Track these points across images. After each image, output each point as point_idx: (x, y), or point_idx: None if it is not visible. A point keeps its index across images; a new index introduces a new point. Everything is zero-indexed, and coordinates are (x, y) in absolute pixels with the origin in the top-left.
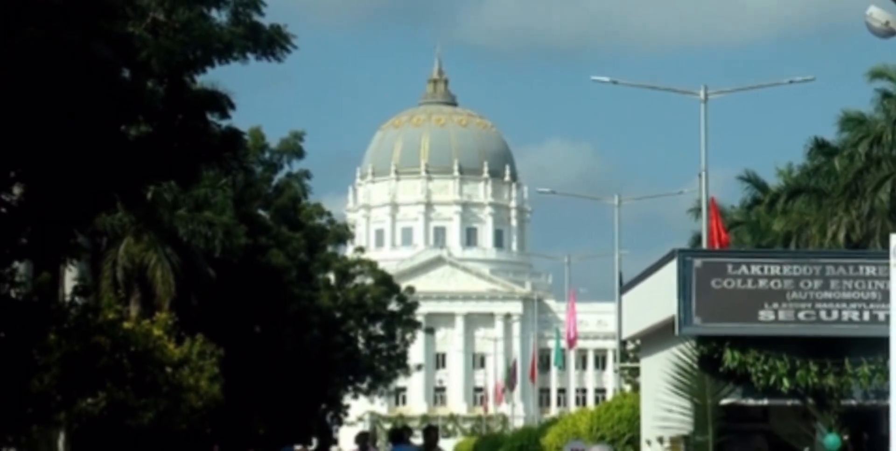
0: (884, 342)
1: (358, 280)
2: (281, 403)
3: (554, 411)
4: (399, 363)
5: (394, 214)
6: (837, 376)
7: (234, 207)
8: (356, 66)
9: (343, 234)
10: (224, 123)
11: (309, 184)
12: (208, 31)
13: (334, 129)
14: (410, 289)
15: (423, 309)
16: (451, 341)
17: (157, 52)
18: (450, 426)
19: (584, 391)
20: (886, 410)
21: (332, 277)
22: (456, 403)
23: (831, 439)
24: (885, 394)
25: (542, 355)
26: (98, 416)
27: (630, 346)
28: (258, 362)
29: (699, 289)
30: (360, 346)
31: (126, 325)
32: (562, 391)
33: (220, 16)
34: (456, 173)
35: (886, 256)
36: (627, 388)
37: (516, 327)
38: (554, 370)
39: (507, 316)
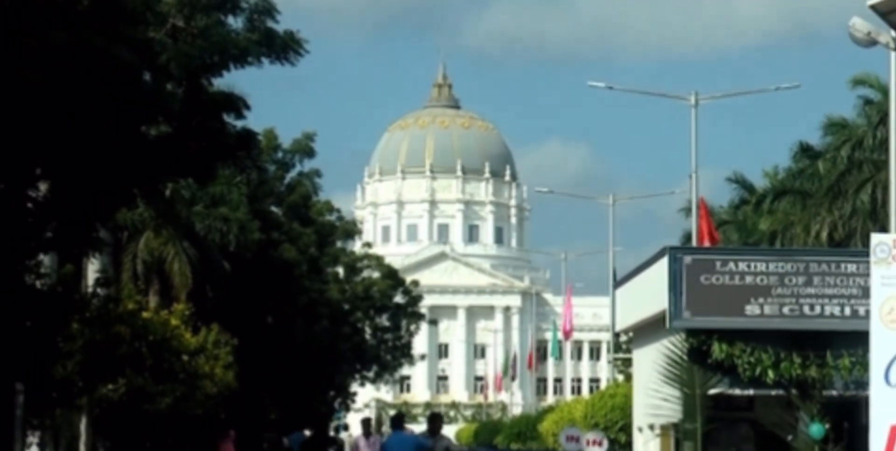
0: (864, 336)
1: (365, 274)
2: (291, 390)
3: (551, 399)
4: (404, 353)
5: (400, 212)
6: (820, 367)
7: (248, 203)
8: (365, 70)
9: (351, 230)
10: (239, 123)
11: (319, 182)
12: (225, 37)
13: (344, 130)
14: (415, 283)
15: (427, 302)
16: (453, 332)
17: (176, 57)
18: (452, 413)
19: (580, 380)
20: (866, 400)
21: (340, 270)
22: (458, 391)
23: (815, 428)
24: (864, 385)
25: (540, 347)
26: (118, 401)
27: (623, 338)
28: (270, 351)
29: (689, 284)
30: (367, 336)
31: (145, 315)
32: (558, 380)
33: (236, 22)
34: (459, 173)
35: (867, 254)
36: (620, 378)
37: (515, 320)
38: (551, 361)
39: (507, 309)
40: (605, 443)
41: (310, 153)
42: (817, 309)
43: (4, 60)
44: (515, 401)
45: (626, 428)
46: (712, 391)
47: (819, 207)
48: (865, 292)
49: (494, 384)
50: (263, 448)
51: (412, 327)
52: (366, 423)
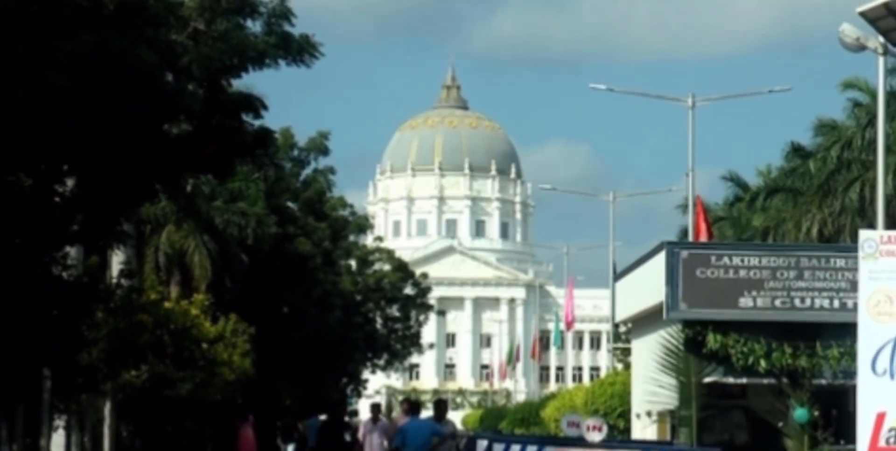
0: (852, 328)
1: (377, 267)
2: (306, 376)
3: (553, 386)
4: (413, 342)
5: (410, 207)
6: (809, 357)
7: (265, 199)
8: (377, 72)
9: (363, 224)
10: (257, 122)
11: (333, 179)
12: (244, 40)
13: (357, 129)
14: (424, 275)
15: (436, 293)
16: (460, 322)
17: (197, 59)
18: (458, 400)
19: (580, 369)
20: (853, 388)
21: (353, 263)
22: (464, 378)
23: (799, 412)
24: (852, 374)
25: (543, 337)
26: (140, 387)
27: (622, 328)
28: (286, 339)
29: (685, 278)
30: (378, 326)
31: (167, 305)
32: (560, 368)
33: (254, 26)
34: (466, 171)
35: (855, 249)
36: (619, 366)
37: (519, 311)
38: (553, 350)
39: (512, 300)
40: (605, 429)
41: (324, 151)
42: (808, 302)
43: (34, 63)
44: (519, 388)
45: (625, 414)
46: (707, 380)
47: (810, 205)
48: (853, 286)
49: (499, 372)
50: (279, 432)
51: (421, 318)
52: (375, 408)
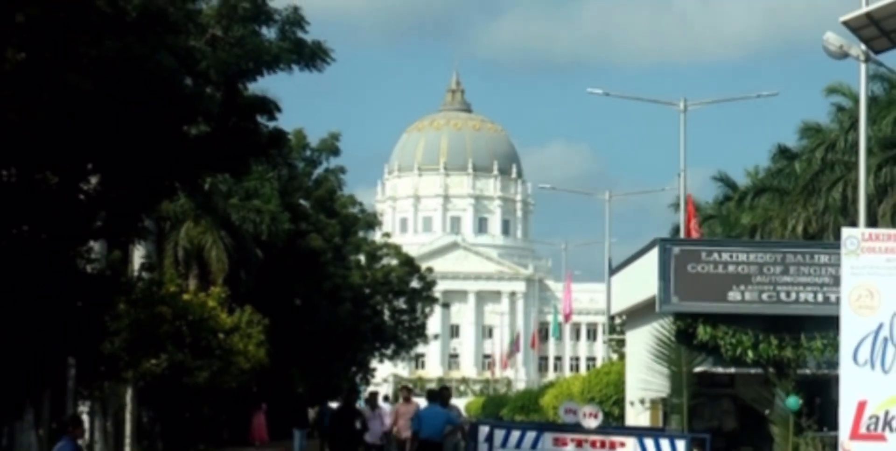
0: (835, 320)
1: (384, 261)
2: (317, 365)
3: (551, 375)
4: (419, 333)
5: (416, 205)
6: (794, 348)
7: (279, 197)
8: (386, 76)
9: (372, 221)
10: (271, 124)
11: (344, 178)
12: (259, 46)
13: (366, 131)
14: (429, 269)
15: (440, 287)
16: (463, 314)
17: (214, 63)
18: (462, 388)
19: (578, 359)
20: (836, 378)
21: (362, 258)
22: (467, 367)
23: (792, 400)
24: (835, 364)
25: (542, 328)
26: (160, 374)
27: (617, 320)
28: (298, 330)
29: (677, 272)
30: (386, 318)
31: (185, 297)
32: (558, 358)
33: (269, 32)
34: (470, 171)
35: (838, 246)
36: (615, 357)
37: (520, 304)
38: (552, 341)
39: (513, 294)
40: (600, 416)
41: (335, 152)
42: (793, 296)
43: (60, 67)
44: (519, 377)
45: (620, 402)
46: (697, 369)
47: (795, 204)
48: (836, 281)
49: (501, 362)
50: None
51: (426, 310)
52: (373, 396)
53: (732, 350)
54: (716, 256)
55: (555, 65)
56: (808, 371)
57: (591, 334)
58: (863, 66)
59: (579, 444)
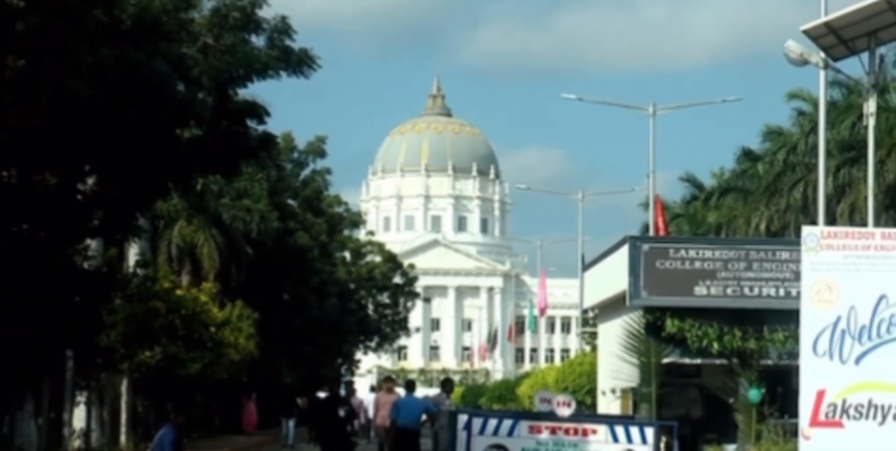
0: (795, 314)
1: (369, 258)
2: (304, 357)
3: (527, 366)
4: (401, 326)
5: (399, 205)
6: (758, 340)
7: (268, 196)
8: (370, 82)
9: (357, 220)
10: (261, 128)
11: (330, 179)
12: (249, 53)
13: (351, 134)
14: (411, 266)
15: (422, 282)
16: (444, 308)
17: (206, 70)
18: (442, 378)
19: (552, 350)
20: (797, 368)
21: (347, 255)
22: (447, 359)
23: (753, 393)
24: (795, 355)
25: (518, 321)
26: (154, 366)
27: (590, 314)
28: (286, 323)
29: (646, 268)
30: (370, 312)
31: (178, 292)
32: (534, 350)
33: (258, 41)
34: (450, 172)
35: (798, 243)
36: (587, 348)
37: (497, 298)
38: (528, 333)
39: (490, 289)
40: (573, 404)
41: (321, 154)
42: (756, 290)
43: (58, 73)
44: (497, 368)
45: (592, 391)
46: (665, 360)
47: (758, 203)
48: (797, 276)
49: (479, 354)
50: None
51: (408, 304)
52: (349, 384)
53: (699, 342)
54: (683, 252)
55: (531, 71)
56: (770, 362)
57: (565, 327)
58: (822, 73)
59: (553, 431)
